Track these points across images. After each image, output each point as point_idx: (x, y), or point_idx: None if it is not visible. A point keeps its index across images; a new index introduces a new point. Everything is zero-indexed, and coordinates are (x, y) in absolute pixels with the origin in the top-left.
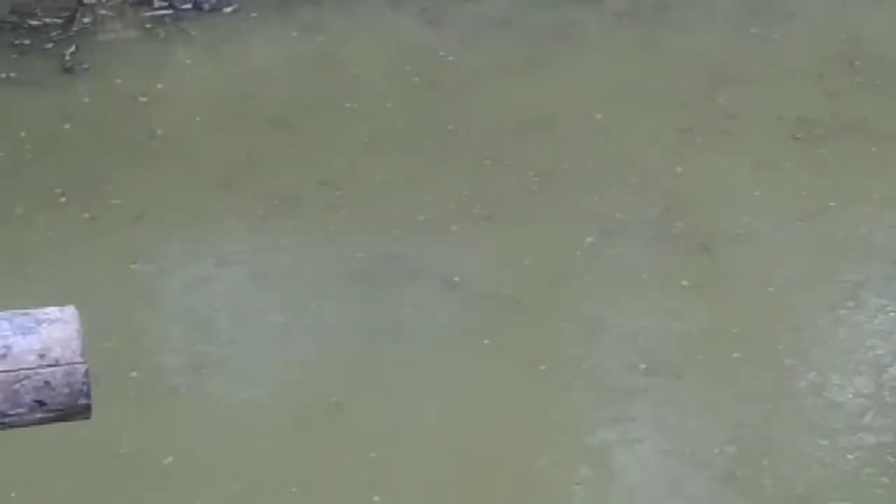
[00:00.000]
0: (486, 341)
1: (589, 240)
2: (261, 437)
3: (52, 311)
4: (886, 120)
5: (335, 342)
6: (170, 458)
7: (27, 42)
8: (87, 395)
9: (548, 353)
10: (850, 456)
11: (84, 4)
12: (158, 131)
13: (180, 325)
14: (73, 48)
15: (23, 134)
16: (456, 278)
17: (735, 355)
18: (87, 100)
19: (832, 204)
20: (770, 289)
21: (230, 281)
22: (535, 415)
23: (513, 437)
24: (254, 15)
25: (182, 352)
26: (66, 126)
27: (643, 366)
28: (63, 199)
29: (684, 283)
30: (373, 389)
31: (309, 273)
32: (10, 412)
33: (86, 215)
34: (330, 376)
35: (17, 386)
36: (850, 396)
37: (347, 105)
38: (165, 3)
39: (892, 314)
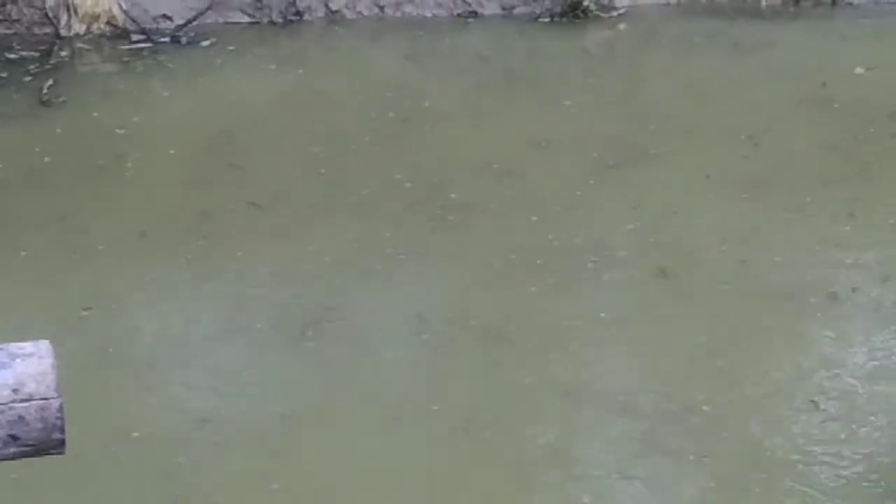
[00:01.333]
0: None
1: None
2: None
3: (27, 346)
4: None
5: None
6: None
7: (4, 75)
8: (62, 430)
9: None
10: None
11: (62, 38)
12: (130, 164)
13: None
14: (50, 81)
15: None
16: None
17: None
18: (63, 133)
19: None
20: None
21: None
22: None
23: None
24: (231, 48)
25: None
26: (47, 159)
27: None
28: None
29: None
30: None
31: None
32: None
33: (22, 253)
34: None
35: None
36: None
37: (319, 142)
38: (143, 37)
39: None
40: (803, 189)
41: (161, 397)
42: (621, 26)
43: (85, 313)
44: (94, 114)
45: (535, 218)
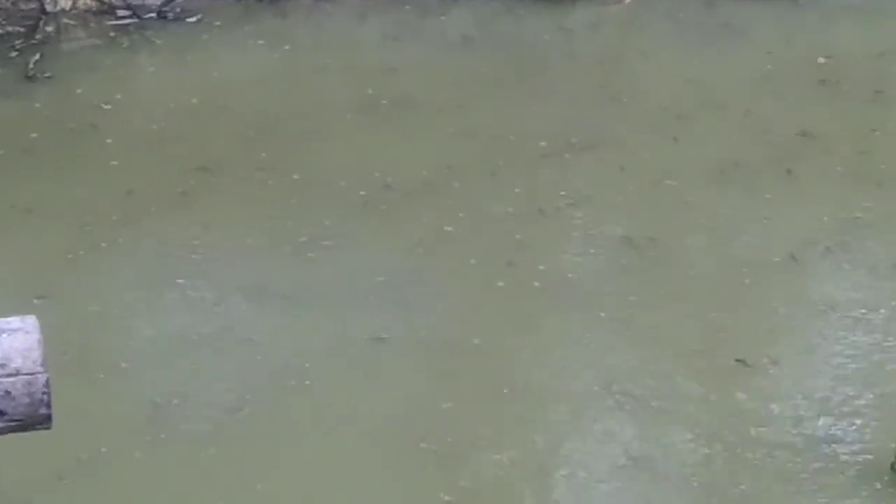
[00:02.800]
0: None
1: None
2: None
3: (13, 321)
4: None
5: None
6: None
7: None
8: (48, 405)
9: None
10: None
11: (47, 13)
12: (114, 139)
13: None
14: (37, 56)
15: None
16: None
17: None
18: (49, 108)
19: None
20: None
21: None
22: None
23: None
24: (217, 24)
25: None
26: (33, 135)
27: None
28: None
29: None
30: None
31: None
32: None
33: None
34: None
35: None
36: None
37: (306, 120)
38: (129, 13)
39: None
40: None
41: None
42: (627, 0)
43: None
44: (80, 89)
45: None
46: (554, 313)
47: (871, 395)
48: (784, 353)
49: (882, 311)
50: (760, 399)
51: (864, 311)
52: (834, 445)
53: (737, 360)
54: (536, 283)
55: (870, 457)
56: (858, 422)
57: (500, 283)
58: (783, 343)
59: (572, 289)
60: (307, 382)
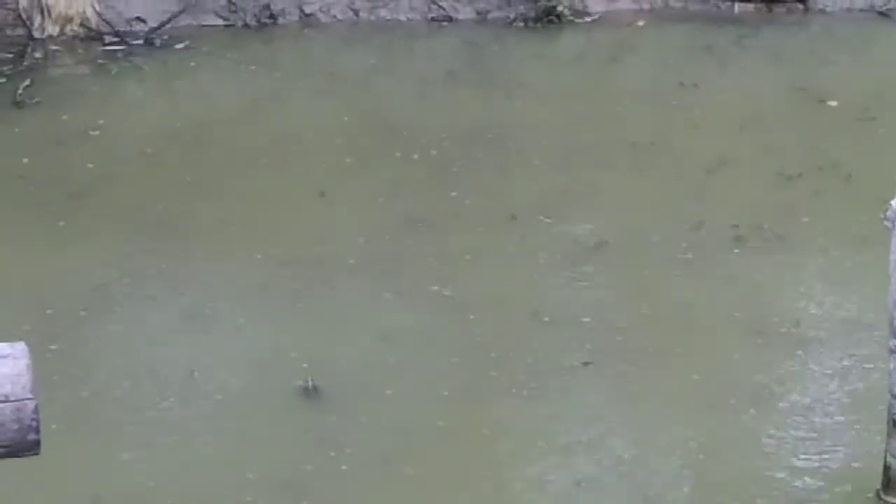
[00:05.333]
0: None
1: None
2: None
3: (2, 347)
4: None
5: None
6: None
7: None
8: (37, 431)
9: None
10: None
11: (35, 39)
12: (102, 168)
13: None
14: (27, 82)
15: None
16: None
17: None
18: (38, 134)
19: None
20: None
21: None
22: None
23: None
24: (205, 50)
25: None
26: (25, 160)
27: None
28: None
29: None
30: None
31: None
32: None
33: None
34: None
35: None
36: None
37: (292, 146)
38: (117, 39)
39: None
40: None
41: None
42: (640, 23)
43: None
44: (67, 115)
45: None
46: None
47: None
48: None
49: None
50: None
51: None
52: None
53: None
54: None
55: None
56: None
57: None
58: None
59: None
60: None
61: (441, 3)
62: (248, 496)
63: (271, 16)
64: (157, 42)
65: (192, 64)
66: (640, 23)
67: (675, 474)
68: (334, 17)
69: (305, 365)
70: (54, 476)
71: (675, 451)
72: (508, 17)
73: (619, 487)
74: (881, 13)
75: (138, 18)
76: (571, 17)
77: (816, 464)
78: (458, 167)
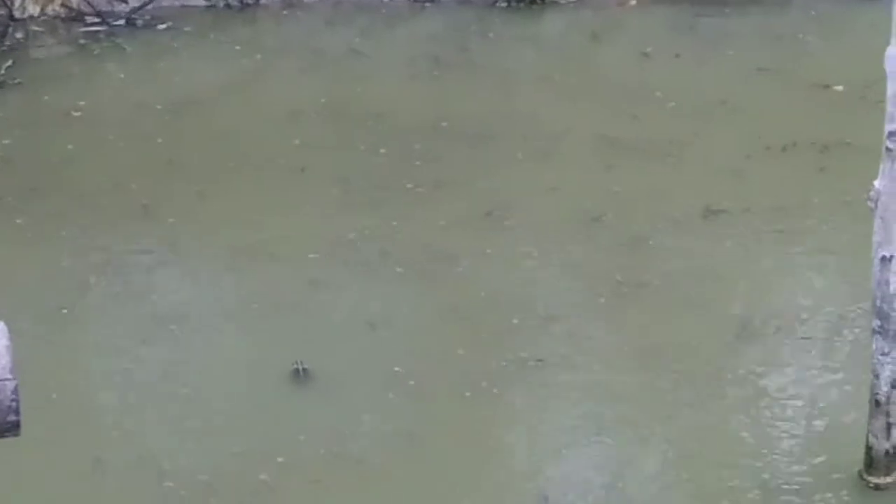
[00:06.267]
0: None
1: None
2: None
3: None
4: None
5: None
6: None
7: None
8: (17, 412)
9: None
10: None
11: (16, 20)
12: (84, 146)
13: None
14: (9, 63)
15: None
16: None
17: None
18: (19, 115)
19: None
20: None
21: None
22: None
23: None
24: (187, 30)
25: None
26: (6, 142)
27: None
28: None
29: None
30: None
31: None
32: None
33: None
34: None
35: None
36: None
37: (267, 126)
38: (98, 20)
39: None
40: None
41: None
42: (632, 2)
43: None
44: (50, 96)
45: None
46: None
47: None
48: None
49: None
50: None
51: None
52: None
53: None
54: None
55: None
56: None
57: None
58: None
59: None
60: None
61: None
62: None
63: None
64: (139, 22)
65: (175, 45)
66: (633, 2)
67: (653, 461)
68: None
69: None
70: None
71: (652, 435)
72: None
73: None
74: None
75: None
76: None
77: (797, 446)
78: (431, 157)
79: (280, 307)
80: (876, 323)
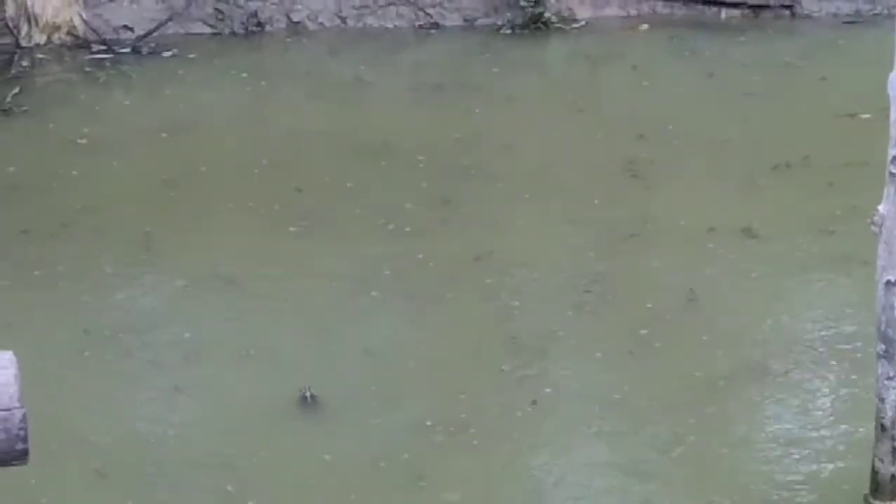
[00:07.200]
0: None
1: None
2: None
3: None
4: None
5: None
6: None
7: None
8: (25, 441)
9: None
10: None
11: (22, 48)
12: (91, 173)
13: None
14: (15, 90)
15: None
16: None
17: None
18: (26, 142)
19: None
20: None
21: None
22: None
23: None
24: (192, 57)
25: None
26: (11, 169)
27: None
28: None
29: None
30: None
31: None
32: None
33: None
34: None
35: None
36: None
37: (271, 157)
38: (104, 48)
39: None
40: None
41: None
42: (644, 27)
43: None
44: (56, 124)
45: None
46: None
47: None
48: None
49: None
50: None
51: None
52: None
53: None
54: None
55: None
56: None
57: None
58: None
59: None
60: None
61: (428, 11)
62: None
63: (259, 24)
64: (145, 50)
65: (180, 72)
66: (645, 26)
67: (659, 467)
68: (321, 24)
69: None
70: None
71: (657, 440)
72: (496, 24)
73: None
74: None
75: (125, 27)
76: (559, 24)
77: (804, 468)
78: (437, 184)
79: (285, 336)
80: (881, 347)
